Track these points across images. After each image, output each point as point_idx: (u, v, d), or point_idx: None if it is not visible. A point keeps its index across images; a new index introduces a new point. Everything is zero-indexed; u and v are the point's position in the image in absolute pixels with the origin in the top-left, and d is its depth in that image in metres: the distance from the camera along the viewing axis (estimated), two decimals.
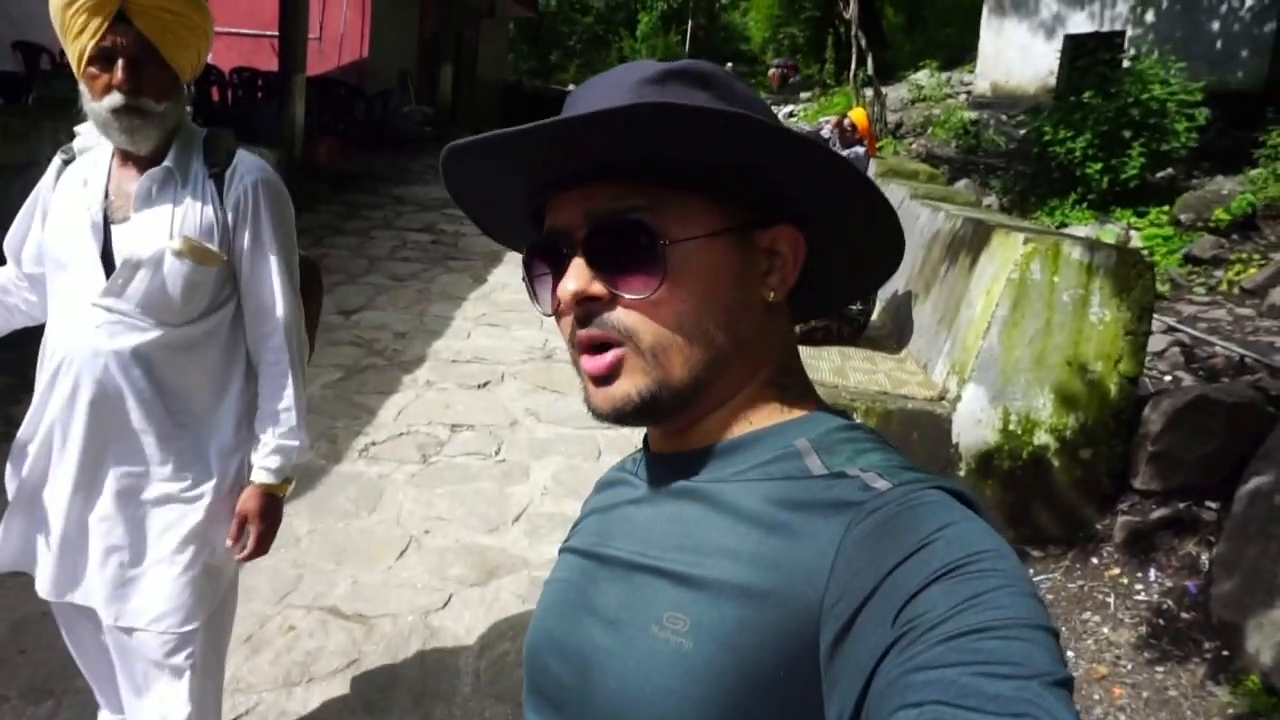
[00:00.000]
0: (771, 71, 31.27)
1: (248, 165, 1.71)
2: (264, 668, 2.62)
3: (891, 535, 0.56)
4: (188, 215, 1.64)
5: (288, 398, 1.75)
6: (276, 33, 10.05)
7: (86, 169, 1.69)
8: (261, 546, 1.79)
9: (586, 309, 0.67)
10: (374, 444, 4.23)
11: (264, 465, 1.75)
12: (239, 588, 2.90)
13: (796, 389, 0.73)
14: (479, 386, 5.10)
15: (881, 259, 0.77)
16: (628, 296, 0.66)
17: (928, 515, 0.56)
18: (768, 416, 0.70)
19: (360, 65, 14.37)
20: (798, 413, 0.70)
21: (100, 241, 1.64)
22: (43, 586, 1.76)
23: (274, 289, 1.73)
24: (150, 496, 1.70)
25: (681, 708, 0.59)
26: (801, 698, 0.57)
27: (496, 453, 4.28)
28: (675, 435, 0.72)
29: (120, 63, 1.53)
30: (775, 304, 0.72)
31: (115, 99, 1.54)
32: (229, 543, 1.76)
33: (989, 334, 3.33)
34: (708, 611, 0.61)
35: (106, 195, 1.66)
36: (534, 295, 0.74)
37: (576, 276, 0.66)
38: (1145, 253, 6.97)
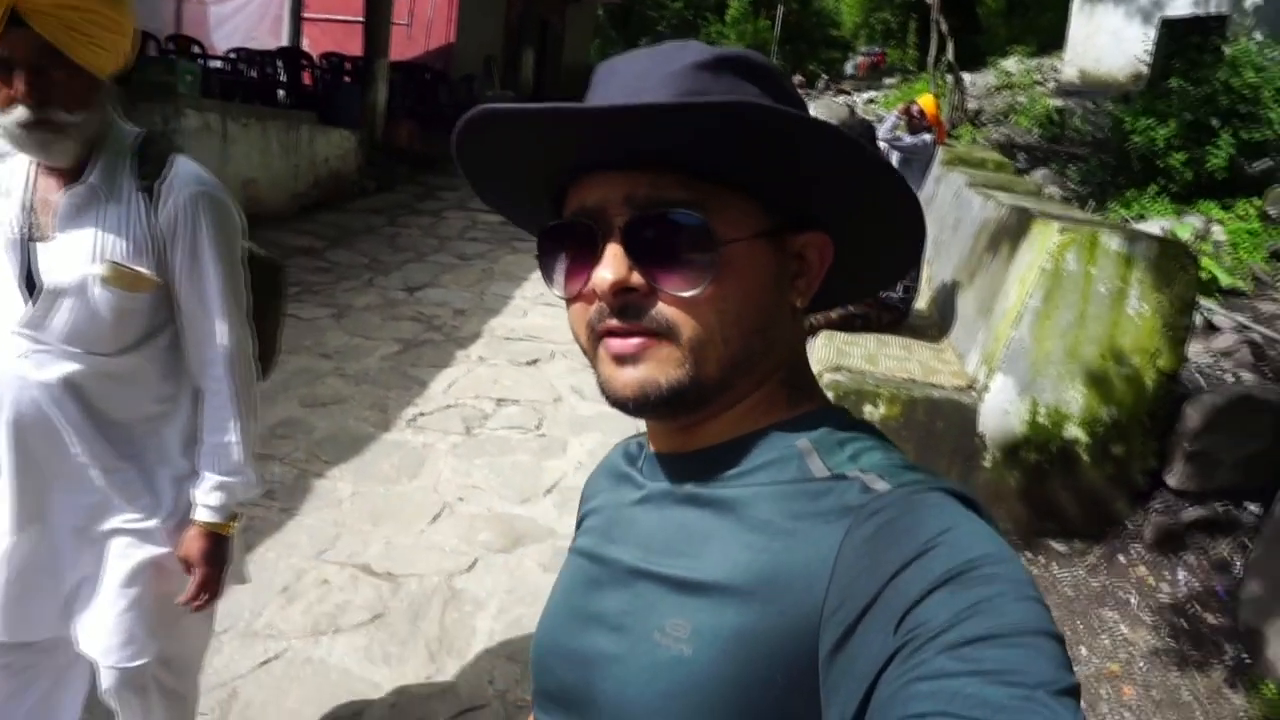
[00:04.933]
0: (860, 59, 30.69)
1: (184, 177, 1.53)
2: (295, 617, 2.80)
3: (892, 539, 0.55)
4: (114, 236, 1.47)
5: (231, 431, 1.61)
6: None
7: (7, 176, 1.52)
8: (207, 591, 1.63)
9: (623, 300, 0.65)
10: (422, 415, 4.42)
11: (205, 503, 1.60)
12: (281, 543, 3.14)
13: (803, 388, 0.72)
14: (528, 363, 5.25)
15: (897, 264, 0.77)
16: (671, 292, 0.64)
17: (929, 518, 0.55)
18: (773, 415, 0.69)
19: (447, 50, 14.74)
20: (800, 410, 0.70)
21: (21, 262, 1.47)
22: None
23: (215, 313, 1.57)
24: (102, 529, 1.60)
25: (681, 713, 0.60)
26: (799, 703, 0.56)
27: (537, 427, 4.42)
28: (682, 432, 0.71)
29: (19, 73, 1.35)
30: (799, 308, 0.71)
31: (20, 113, 1.37)
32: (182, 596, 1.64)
33: (1020, 324, 3.28)
34: (708, 618, 0.61)
35: (30, 208, 1.49)
36: (548, 275, 0.71)
37: (614, 266, 0.64)
38: (1230, 245, 6.66)
